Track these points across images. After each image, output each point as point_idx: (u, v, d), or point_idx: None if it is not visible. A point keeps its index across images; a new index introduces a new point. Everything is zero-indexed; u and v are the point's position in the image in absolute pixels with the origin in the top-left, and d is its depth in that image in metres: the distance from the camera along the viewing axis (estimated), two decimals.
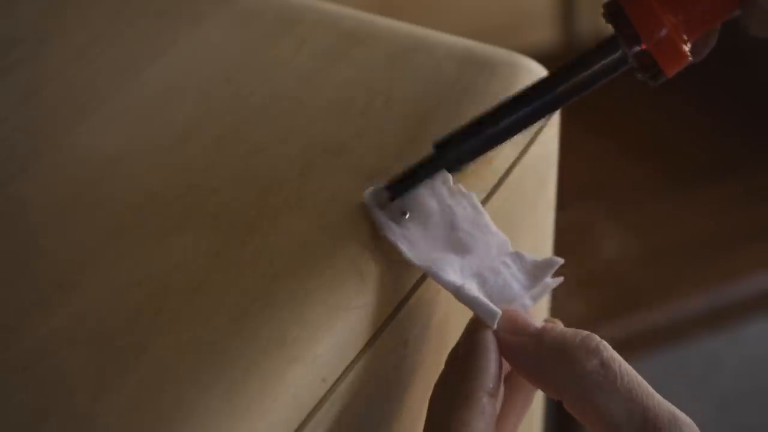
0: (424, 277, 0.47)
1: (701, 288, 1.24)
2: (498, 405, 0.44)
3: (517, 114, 0.47)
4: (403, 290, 0.47)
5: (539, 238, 0.60)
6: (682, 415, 0.41)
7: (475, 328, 0.44)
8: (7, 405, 0.41)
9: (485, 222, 0.48)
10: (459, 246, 0.47)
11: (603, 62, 0.46)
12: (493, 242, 0.47)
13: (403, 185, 0.47)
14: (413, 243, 0.46)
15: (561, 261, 0.47)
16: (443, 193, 0.48)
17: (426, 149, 0.51)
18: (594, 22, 1.64)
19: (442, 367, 0.48)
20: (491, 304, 0.44)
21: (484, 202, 0.50)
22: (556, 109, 0.47)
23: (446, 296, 0.47)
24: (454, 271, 0.46)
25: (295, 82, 0.54)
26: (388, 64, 0.55)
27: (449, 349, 0.45)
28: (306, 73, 0.55)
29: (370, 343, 0.45)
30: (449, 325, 0.50)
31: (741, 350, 1.45)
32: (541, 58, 0.58)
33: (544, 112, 0.47)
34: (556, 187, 0.59)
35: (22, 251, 0.46)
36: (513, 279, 0.46)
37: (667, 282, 1.25)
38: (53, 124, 0.52)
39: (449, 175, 0.48)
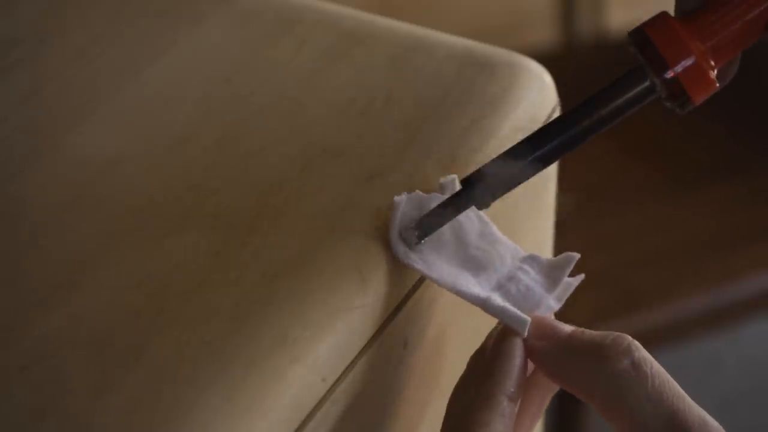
0: (424, 277, 0.47)
1: (701, 288, 1.23)
2: (516, 409, 0.44)
3: (544, 148, 0.46)
4: (403, 291, 0.47)
5: (539, 241, 0.60)
6: (711, 421, 0.41)
7: (503, 336, 0.44)
8: (6, 405, 0.41)
9: (492, 231, 0.48)
10: (473, 264, 0.47)
11: (631, 93, 0.45)
12: (505, 251, 0.47)
13: (431, 223, 0.47)
14: (431, 265, 0.46)
15: (577, 256, 0.47)
16: None
17: (426, 149, 0.51)
18: (594, 22, 1.64)
19: (441, 367, 0.48)
20: (520, 313, 0.44)
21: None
22: (584, 142, 0.46)
23: (447, 297, 0.47)
24: (475, 286, 0.46)
25: (295, 82, 0.54)
26: (388, 64, 0.55)
27: (449, 350, 0.45)
28: (306, 73, 0.55)
29: (370, 344, 0.45)
30: (449, 325, 0.50)
31: (741, 350, 1.45)
32: (541, 58, 0.58)
33: (571, 145, 0.46)
34: (556, 188, 0.59)
35: (22, 251, 0.46)
36: (534, 283, 0.46)
37: (667, 282, 1.25)
38: (53, 124, 0.52)
39: (456, 183, 0.48)
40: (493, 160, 0.46)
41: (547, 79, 0.56)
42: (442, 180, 0.48)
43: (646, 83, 0.45)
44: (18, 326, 0.43)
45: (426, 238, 0.46)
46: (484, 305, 0.45)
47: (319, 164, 0.50)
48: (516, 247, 0.48)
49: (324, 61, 0.55)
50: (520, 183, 0.47)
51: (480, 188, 0.46)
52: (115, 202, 0.48)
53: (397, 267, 0.46)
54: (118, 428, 0.40)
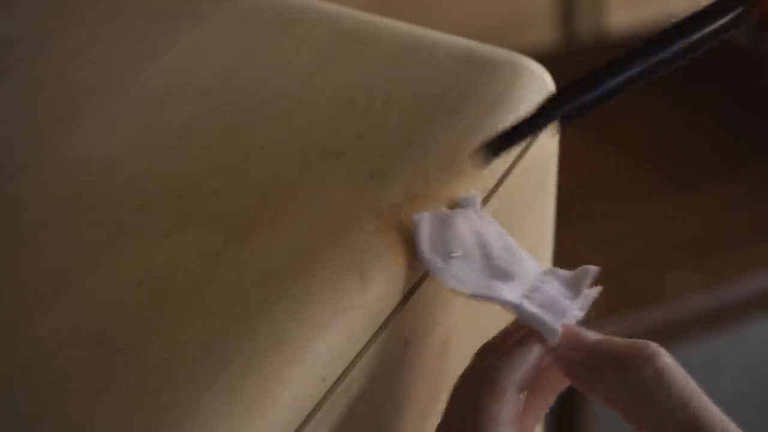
0: (424, 277, 0.47)
1: (701, 288, 1.23)
2: (521, 403, 0.44)
3: (635, 67, 0.46)
4: (403, 290, 0.47)
5: (539, 241, 0.60)
6: (734, 427, 0.42)
7: (526, 336, 0.44)
8: (6, 405, 0.41)
9: (514, 246, 0.48)
10: (499, 273, 0.47)
11: (722, 20, 0.45)
12: (528, 265, 0.47)
13: (506, 141, 0.46)
14: (461, 279, 0.46)
15: (596, 269, 0.47)
16: (474, 219, 0.48)
17: (426, 149, 0.50)
18: (594, 22, 1.64)
19: (442, 366, 0.48)
20: (551, 323, 0.44)
21: (483, 203, 0.50)
22: (673, 65, 0.46)
23: (446, 297, 0.47)
24: (508, 293, 0.46)
25: (295, 82, 0.54)
26: (388, 64, 0.55)
27: (449, 349, 0.45)
28: (306, 73, 0.55)
29: (370, 343, 0.45)
30: (449, 325, 0.50)
31: (741, 350, 1.45)
32: (541, 58, 0.58)
33: (662, 66, 0.46)
34: (556, 188, 0.59)
35: (22, 251, 0.46)
36: (558, 294, 0.46)
37: (667, 282, 1.25)
38: (53, 124, 0.52)
39: (478, 199, 0.48)
40: (584, 77, 0.46)
41: (547, 79, 0.56)
42: (464, 195, 0.48)
43: (737, 10, 0.45)
44: (18, 326, 0.43)
45: (457, 253, 0.46)
46: (518, 310, 0.45)
47: (319, 164, 0.50)
48: (535, 262, 0.48)
49: (324, 61, 0.55)
50: (609, 100, 0.46)
51: (566, 103, 0.46)
52: (115, 202, 0.48)
53: (397, 267, 0.46)
54: (118, 428, 0.40)
